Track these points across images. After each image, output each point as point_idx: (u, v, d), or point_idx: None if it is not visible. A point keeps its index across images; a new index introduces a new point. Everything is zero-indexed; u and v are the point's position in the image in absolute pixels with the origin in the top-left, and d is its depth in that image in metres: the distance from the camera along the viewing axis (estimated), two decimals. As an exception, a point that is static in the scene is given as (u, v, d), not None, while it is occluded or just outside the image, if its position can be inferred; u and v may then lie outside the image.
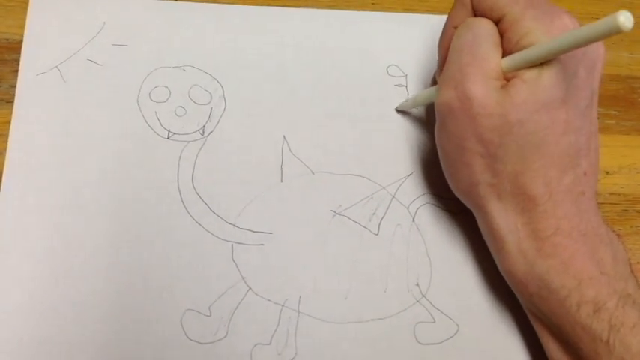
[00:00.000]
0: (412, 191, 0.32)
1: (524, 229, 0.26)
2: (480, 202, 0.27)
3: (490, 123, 0.24)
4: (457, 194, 0.29)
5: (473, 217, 0.29)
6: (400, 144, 0.32)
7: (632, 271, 0.26)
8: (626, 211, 0.33)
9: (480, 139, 0.25)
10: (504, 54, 0.25)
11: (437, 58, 0.29)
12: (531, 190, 0.25)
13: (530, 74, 0.24)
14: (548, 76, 0.23)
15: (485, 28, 0.25)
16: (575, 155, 0.25)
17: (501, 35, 0.25)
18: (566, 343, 0.25)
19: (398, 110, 0.33)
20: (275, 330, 0.28)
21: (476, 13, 0.27)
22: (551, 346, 0.27)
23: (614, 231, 0.27)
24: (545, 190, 0.25)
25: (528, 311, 0.28)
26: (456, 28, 0.27)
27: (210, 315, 0.28)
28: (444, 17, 0.29)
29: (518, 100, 0.24)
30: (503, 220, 0.26)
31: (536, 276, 0.25)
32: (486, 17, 0.26)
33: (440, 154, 0.28)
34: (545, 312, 0.26)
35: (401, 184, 0.32)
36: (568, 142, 0.25)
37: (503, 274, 0.28)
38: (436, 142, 0.28)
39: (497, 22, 0.25)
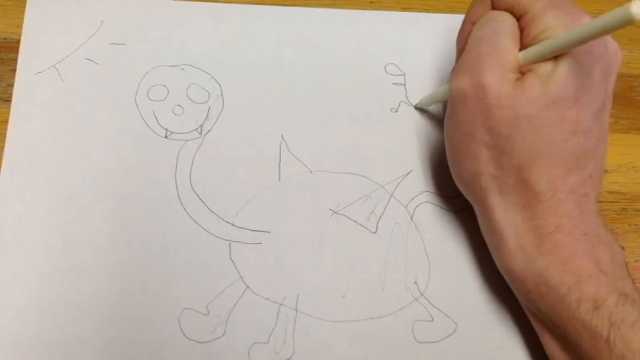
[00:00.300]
0: (410, 190, 0.32)
1: (524, 224, 0.26)
2: (482, 194, 0.27)
3: (501, 114, 0.24)
4: (459, 185, 0.28)
5: (471, 216, 0.29)
6: (398, 142, 0.32)
7: (629, 274, 0.26)
8: (624, 209, 0.33)
9: (489, 129, 0.25)
10: (521, 49, 0.25)
11: (454, 53, 0.29)
12: (535, 186, 0.25)
13: (544, 69, 0.24)
14: (561, 72, 0.23)
15: (506, 21, 0.25)
16: (582, 156, 0.25)
17: (520, 31, 0.25)
18: (566, 340, 0.25)
19: (417, 108, 0.33)
20: (273, 329, 0.28)
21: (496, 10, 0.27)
22: (550, 344, 0.27)
23: (611, 232, 0.27)
24: (549, 187, 0.25)
25: (526, 309, 0.28)
26: (474, 24, 0.27)
27: (207, 314, 0.28)
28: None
29: (530, 94, 0.24)
30: (503, 215, 0.26)
31: (534, 272, 0.25)
32: None
33: (446, 141, 0.28)
34: (543, 309, 0.26)
35: (399, 183, 0.32)
36: (576, 142, 0.25)
37: (501, 270, 0.28)
38: (444, 128, 0.28)
39: (517, 20, 0.26)
